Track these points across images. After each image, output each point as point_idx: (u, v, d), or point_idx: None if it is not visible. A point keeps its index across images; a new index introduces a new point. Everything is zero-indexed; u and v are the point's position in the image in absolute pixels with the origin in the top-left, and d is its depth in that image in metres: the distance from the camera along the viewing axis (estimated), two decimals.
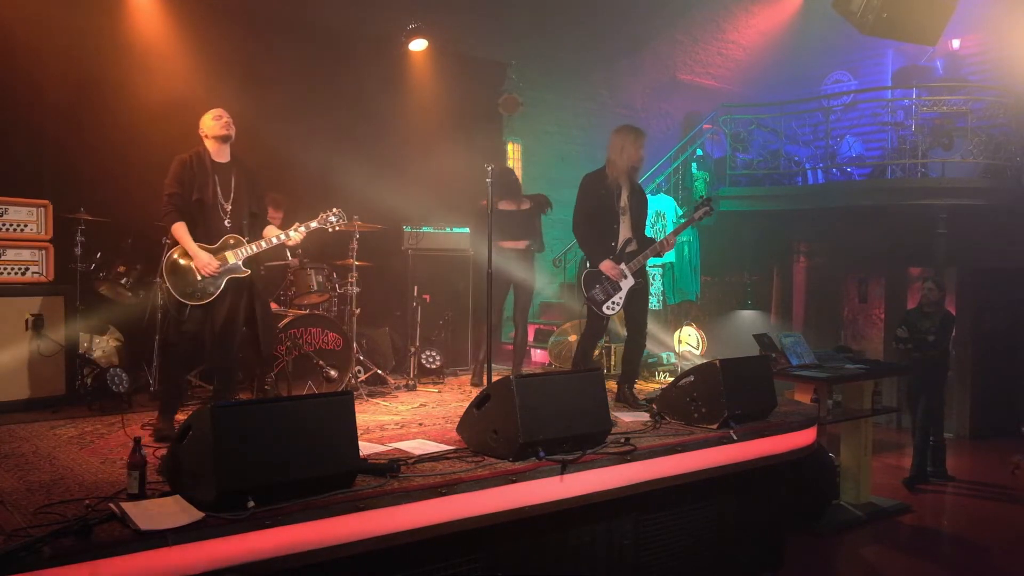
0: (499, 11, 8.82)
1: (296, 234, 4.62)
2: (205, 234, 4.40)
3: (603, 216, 5.21)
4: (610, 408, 4.13)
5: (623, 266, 5.16)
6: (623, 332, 6.88)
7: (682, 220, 9.17)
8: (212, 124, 4.43)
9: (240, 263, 4.43)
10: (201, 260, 4.30)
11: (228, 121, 4.45)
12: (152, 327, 5.59)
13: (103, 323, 5.74)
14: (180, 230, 4.33)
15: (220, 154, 4.48)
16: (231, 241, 4.43)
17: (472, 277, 7.37)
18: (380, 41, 7.80)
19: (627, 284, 5.17)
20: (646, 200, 5.50)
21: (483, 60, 8.89)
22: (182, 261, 4.33)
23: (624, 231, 5.25)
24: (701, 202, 5.43)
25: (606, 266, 5.13)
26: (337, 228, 4.87)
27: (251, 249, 4.46)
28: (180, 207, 4.36)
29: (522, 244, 6.33)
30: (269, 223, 4.77)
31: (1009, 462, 6.00)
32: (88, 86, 6.16)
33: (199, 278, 4.31)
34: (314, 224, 4.74)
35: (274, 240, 4.56)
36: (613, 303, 5.15)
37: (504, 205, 6.38)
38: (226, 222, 4.45)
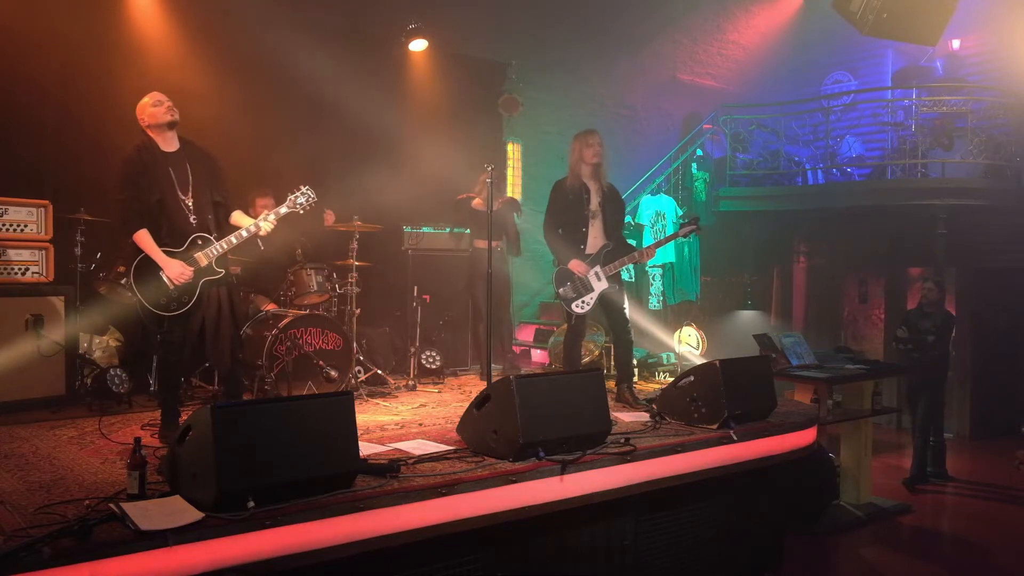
0: (499, 11, 8.81)
1: (267, 223, 4.25)
2: (170, 236, 4.09)
3: (571, 220, 5.28)
4: (610, 408, 4.13)
5: (598, 268, 5.21)
6: None
7: (683, 221, 9.18)
8: (154, 111, 4.06)
9: (212, 264, 4.15)
10: (173, 270, 3.99)
11: (170, 104, 4.09)
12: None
13: (103, 323, 5.74)
14: (144, 239, 4.00)
15: (168, 143, 4.15)
16: (199, 241, 4.13)
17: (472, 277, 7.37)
18: (380, 41, 7.80)
19: (600, 287, 5.21)
20: (622, 204, 5.55)
21: (483, 60, 8.89)
22: (150, 271, 4.03)
23: (596, 235, 5.30)
24: (689, 220, 5.44)
25: (574, 264, 5.19)
26: (308, 207, 4.40)
27: (222, 247, 4.16)
28: (140, 212, 4.01)
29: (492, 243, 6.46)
30: (235, 209, 4.45)
31: (1013, 457, 6.01)
32: (88, 86, 6.15)
33: (171, 287, 4.03)
34: (284, 209, 4.31)
35: (244, 233, 4.21)
36: (583, 302, 5.21)
37: (477, 204, 6.72)
38: (191, 219, 4.12)
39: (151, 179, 4.06)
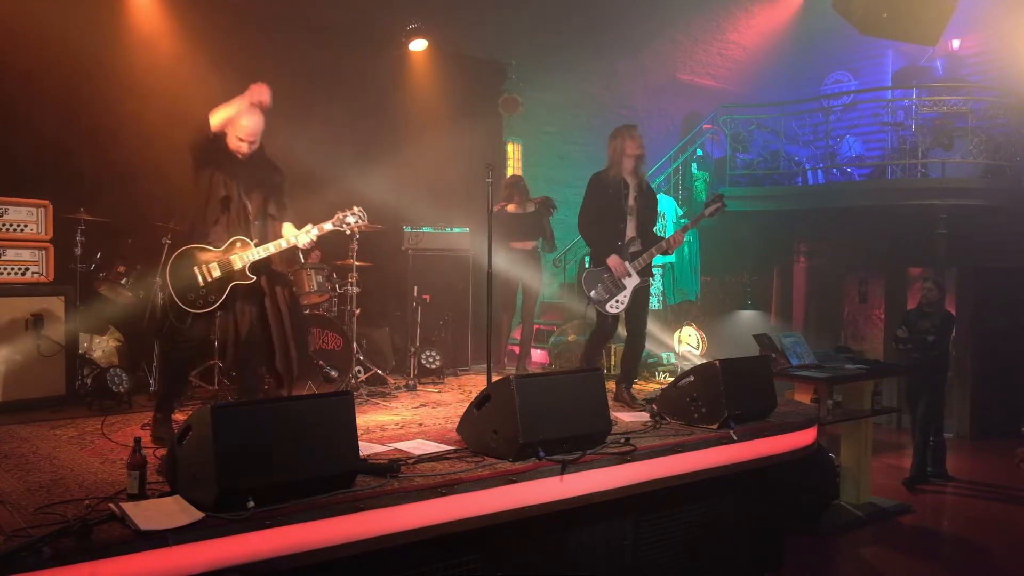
0: (499, 11, 8.82)
1: (307, 237, 4.19)
2: (225, 231, 4.09)
3: (610, 215, 5.17)
4: (610, 408, 4.13)
5: (627, 265, 5.12)
6: (622, 332, 6.89)
7: (684, 220, 9.19)
8: (235, 142, 4.09)
9: (246, 268, 4.07)
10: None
11: (246, 149, 4.11)
12: (152, 327, 5.58)
13: (103, 323, 5.74)
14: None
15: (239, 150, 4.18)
16: (238, 244, 4.10)
17: (472, 277, 7.38)
18: (380, 41, 7.80)
19: (632, 283, 5.13)
20: (655, 199, 5.44)
21: (483, 60, 8.89)
22: (184, 265, 4.04)
23: (630, 231, 5.20)
24: (714, 198, 5.34)
25: (613, 261, 5.08)
26: (355, 229, 4.38)
27: (258, 253, 4.10)
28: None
29: (529, 245, 6.93)
30: (287, 221, 4.34)
31: (1015, 454, 6.01)
32: (88, 86, 6.15)
33: (202, 284, 4.02)
34: (328, 226, 4.27)
35: (283, 244, 4.16)
36: (617, 302, 5.10)
37: (511, 208, 6.94)
38: (243, 222, 4.15)
39: (223, 175, 4.09)
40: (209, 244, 4.10)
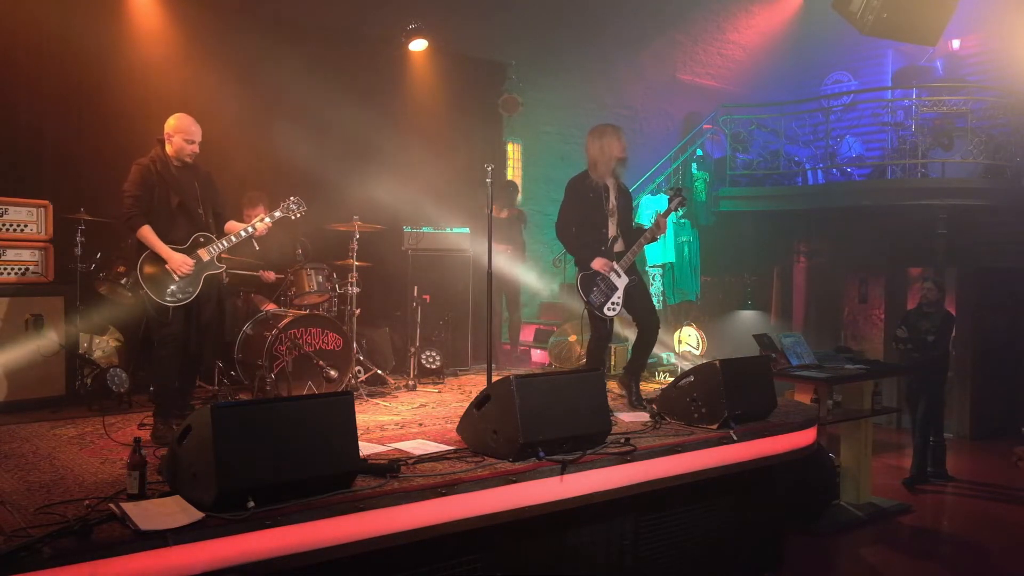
0: (499, 11, 8.81)
1: (261, 224, 4.66)
2: (185, 232, 4.43)
3: (592, 219, 5.09)
4: (610, 406, 4.12)
5: (614, 264, 5.04)
6: (623, 333, 6.89)
7: (685, 221, 9.22)
8: (182, 145, 4.40)
9: (215, 259, 4.49)
10: (175, 260, 4.30)
11: (196, 149, 4.46)
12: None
13: (103, 323, 5.74)
14: (149, 234, 4.30)
15: (178, 160, 4.52)
16: (201, 239, 4.46)
17: (472, 277, 7.38)
18: (380, 41, 7.80)
19: (622, 283, 5.06)
20: (631, 199, 5.46)
21: (483, 60, 8.89)
22: (155, 265, 4.30)
23: (611, 232, 5.14)
24: (673, 192, 5.36)
25: (598, 263, 4.98)
26: (299, 215, 4.88)
27: (222, 245, 4.52)
28: (145, 211, 4.33)
29: (502, 248, 7.30)
30: (230, 219, 4.80)
31: (1012, 453, 6.01)
32: (88, 86, 6.16)
33: (176, 279, 4.31)
34: (278, 213, 4.80)
35: (243, 233, 4.59)
36: (613, 304, 5.03)
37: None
38: (202, 222, 4.52)
39: (168, 185, 4.39)
40: (172, 245, 4.39)
